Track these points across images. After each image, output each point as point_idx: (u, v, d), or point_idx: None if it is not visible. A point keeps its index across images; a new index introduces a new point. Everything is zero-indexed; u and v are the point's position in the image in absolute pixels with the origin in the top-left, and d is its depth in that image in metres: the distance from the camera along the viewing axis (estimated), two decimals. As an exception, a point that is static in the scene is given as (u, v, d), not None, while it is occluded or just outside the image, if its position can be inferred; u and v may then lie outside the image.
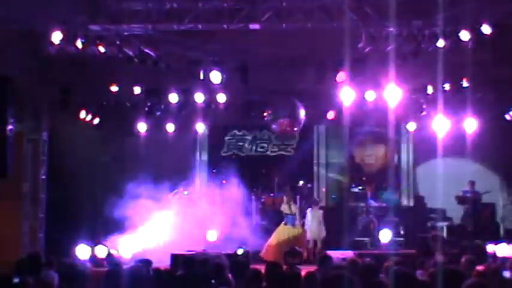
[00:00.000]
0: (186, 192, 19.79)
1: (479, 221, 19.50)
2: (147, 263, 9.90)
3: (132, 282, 8.10)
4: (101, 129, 19.40)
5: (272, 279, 8.46)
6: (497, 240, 16.14)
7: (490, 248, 15.78)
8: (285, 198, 18.43)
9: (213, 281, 8.91)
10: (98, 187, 18.55)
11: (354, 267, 9.33)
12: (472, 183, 19.81)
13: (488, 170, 20.33)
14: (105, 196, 17.42)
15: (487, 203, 20.19)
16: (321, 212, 18.89)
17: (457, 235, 18.77)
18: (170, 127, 20.00)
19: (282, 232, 17.99)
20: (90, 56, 15.58)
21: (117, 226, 17.14)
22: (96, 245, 15.86)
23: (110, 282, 8.27)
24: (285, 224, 18.08)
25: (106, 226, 17.13)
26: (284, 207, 18.22)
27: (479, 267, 10.02)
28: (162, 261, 13.95)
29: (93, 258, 15.37)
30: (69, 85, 17.57)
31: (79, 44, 14.97)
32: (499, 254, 15.14)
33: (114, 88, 18.24)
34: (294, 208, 18.28)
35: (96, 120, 19.12)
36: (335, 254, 12.98)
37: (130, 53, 16.08)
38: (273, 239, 17.85)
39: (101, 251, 15.77)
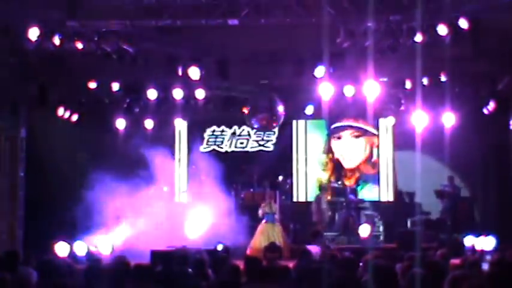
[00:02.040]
0: (165, 189, 19.78)
1: (458, 215, 19.62)
2: (123, 259, 9.83)
3: (111, 278, 8.08)
4: (80, 126, 19.33)
5: (251, 274, 8.48)
6: (475, 234, 16.24)
7: (468, 241, 15.89)
8: (266, 198, 18.50)
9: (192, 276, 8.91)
10: (76, 184, 18.48)
11: (333, 261, 9.38)
12: (451, 178, 19.93)
13: (465, 164, 20.40)
14: (84, 193, 17.36)
15: (466, 197, 20.32)
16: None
17: (436, 229, 18.87)
18: (149, 123, 19.98)
19: (263, 230, 18.06)
20: (68, 53, 15.52)
21: (96, 223, 17.10)
22: (75, 242, 15.81)
23: (89, 279, 8.25)
24: (266, 222, 18.15)
25: (85, 223, 17.06)
26: (265, 207, 18.28)
27: (455, 261, 10.11)
28: (141, 258, 13.91)
29: (72, 255, 15.31)
30: (47, 82, 17.48)
31: (56, 40, 14.92)
32: (478, 248, 15.25)
33: (92, 84, 18.19)
34: (274, 207, 18.39)
35: (75, 117, 19.06)
36: (314, 249, 13.02)
37: (109, 49, 16.03)
38: (255, 239, 17.89)
39: (80, 248, 15.73)
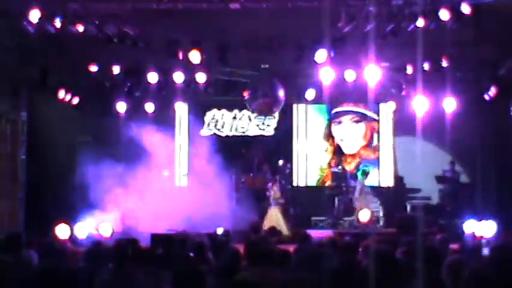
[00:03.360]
0: (166, 172, 19.78)
1: (458, 200, 19.63)
2: (131, 241, 9.87)
3: (112, 261, 8.11)
4: (80, 109, 19.34)
5: (251, 258, 8.49)
6: (475, 219, 16.25)
7: (468, 227, 15.91)
8: (274, 187, 18.62)
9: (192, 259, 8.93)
10: (77, 167, 18.51)
11: (333, 245, 9.40)
12: (453, 162, 19.95)
13: (466, 150, 20.38)
14: (85, 175, 17.39)
15: (466, 183, 20.34)
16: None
17: (435, 214, 18.90)
18: (150, 107, 19.95)
19: (272, 214, 18.27)
20: (69, 35, 15.48)
21: (97, 206, 17.13)
22: (75, 225, 15.83)
23: (90, 261, 8.28)
24: (274, 207, 18.37)
25: (86, 205, 17.09)
26: (271, 194, 18.49)
27: (454, 246, 10.13)
28: (142, 241, 13.93)
29: (73, 237, 15.34)
30: (48, 64, 17.48)
31: (57, 23, 14.87)
32: (478, 233, 15.28)
33: (93, 68, 18.15)
34: (278, 193, 18.51)
35: (76, 100, 19.04)
36: (315, 234, 13.04)
37: (110, 33, 15.98)
38: (267, 223, 18.07)
39: (80, 231, 15.75)
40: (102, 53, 17.33)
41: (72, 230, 15.61)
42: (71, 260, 8.90)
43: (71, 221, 15.83)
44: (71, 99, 18.87)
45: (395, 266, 7.41)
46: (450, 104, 18.63)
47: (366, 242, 9.26)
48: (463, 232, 15.76)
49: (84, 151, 18.62)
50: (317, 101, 20.21)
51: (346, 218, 19.44)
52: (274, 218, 18.15)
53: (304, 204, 20.43)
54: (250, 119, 22.00)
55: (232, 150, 20.76)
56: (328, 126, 21.91)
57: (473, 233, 15.38)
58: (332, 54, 16.91)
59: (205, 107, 21.96)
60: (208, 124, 22.09)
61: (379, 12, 15.10)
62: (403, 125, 20.29)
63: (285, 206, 18.91)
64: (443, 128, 18.16)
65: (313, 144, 21.91)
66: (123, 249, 8.38)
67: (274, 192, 18.53)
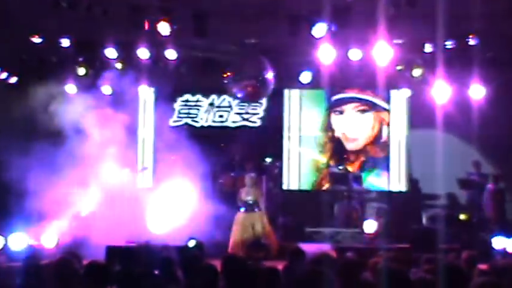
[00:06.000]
0: (125, 170, 19.67)
1: (486, 209, 19.63)
2: (76, 256, 9.76)
3: (56, 279, 8.00)
4: (19, 91, 19.18)
5: (230, 277, 8.43)
6: (507, 234, 16.27)
7: (498, 242, 15.91)
8: (247, 181, 18.42)
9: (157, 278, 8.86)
10: (15, 163, 18.34)
11: (332, 263, 9.31)
12: (477, 163, 19.92)
13: (496, 147, 20.38)
14: (25, 174, 17.24)
15: (496, 189, 20.33)
16: None
17: (458, 227, 18.89)
18: (107, 89, 19.84)
19: (243, 222, 18.03)
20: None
21: (38, 211, 17.00)
22: (10, 234, 15.73)
23: (27, 279, 8.18)
24: (245, 212, 18.13)
25: (25, 211, 16.97)
26: (244, 192, 18.24)
27: (483, 266, 10.09)
28: (94, 255, 13.83)
29: (7, 249, 15.26)
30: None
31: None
32: (510, 250, 15.29)
33: (36, 39, 18.04)
34: (257, 194, 18.27)
35: (14, 79, 18.93)
36: (310, 248, 12.99)
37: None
38: (236, 233, 17.87)
39: (16, 241, 15.64)
40: (48, 20, 17.20)
41: (6, 240, 15.52)
42: (2, 277, 8.79)
43: (3, 229, 15.73)
44: (7, 77, 18.76)
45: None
46: (478, 91, 18.65)
47: (373, 259, 9.21)
48: (492, 249, 15.76)
49: (24, 143, 18.47)
50: (314, 85, 20.24)
51: (347, 229, 19.40)
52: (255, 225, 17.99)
53: (297, 212, 20.36)
54: (231, 107, 21.96)
55: (208, 145, 20.67)
56: (327, 117, 21.89)
57: (504, 249, 15.39)
58: (333, 29, 16.88)
59: (176, 91, 21.92)
60: (180, 112, 22.04)
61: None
62: (420, 117, 20.30)
63: (271, 213, 18.83)
64: (469, 120, 18.18)
65: (309, 139, 21.87)
66: (70, 264, 8.28)
67: (245, 193, 18.31)
